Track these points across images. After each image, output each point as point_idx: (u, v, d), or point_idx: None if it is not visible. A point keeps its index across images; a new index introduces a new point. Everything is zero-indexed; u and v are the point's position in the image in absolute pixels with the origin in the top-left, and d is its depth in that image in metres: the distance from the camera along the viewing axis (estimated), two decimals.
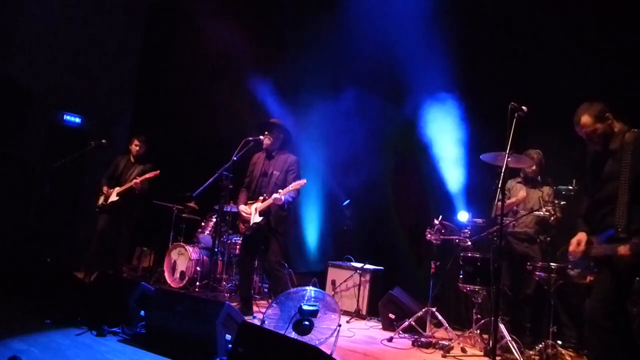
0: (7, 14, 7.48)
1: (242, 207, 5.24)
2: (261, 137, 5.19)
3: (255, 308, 5.41)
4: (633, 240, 2.92)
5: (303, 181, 4.94)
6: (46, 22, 7.88)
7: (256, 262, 6.00)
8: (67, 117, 8.21)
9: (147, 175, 6.16)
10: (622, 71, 5.01)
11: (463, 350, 4.61)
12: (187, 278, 6.56)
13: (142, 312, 3.91)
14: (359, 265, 6.20)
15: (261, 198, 5.13)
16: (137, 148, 6.41)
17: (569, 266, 3.42)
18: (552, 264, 4.27)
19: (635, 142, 3.09)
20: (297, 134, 5.53)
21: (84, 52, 8.34)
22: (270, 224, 5.08)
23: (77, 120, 8.33)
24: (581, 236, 3.27)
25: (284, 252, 5.16)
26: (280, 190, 4.95)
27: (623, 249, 2.94)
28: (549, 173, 5.05)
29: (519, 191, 5.04)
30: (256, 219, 5.09)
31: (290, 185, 4.94)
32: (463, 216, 5.31)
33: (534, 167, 4.99)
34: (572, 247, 3.30)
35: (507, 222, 4.79)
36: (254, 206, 5.17)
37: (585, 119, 3.21)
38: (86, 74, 8.38)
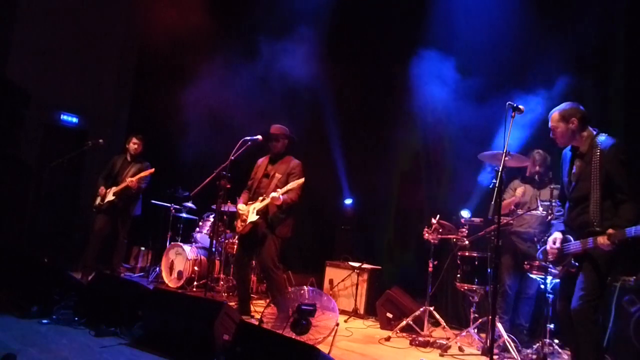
0: (3, 13, 7.45)
1: (240, 206, 5.25)
2: (259, 136, 5.18)
3: (253, 308, 5.41)
4: (610, 230, 3.12)
5: (301, 180, 4.91)
6: (43, 21, 7.86)
7: (253, 262, 5.99)
8: (64, 117, 8.19)
9: (142, 174, 6.16)
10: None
11: (460, 349, 4.62)
12: (184, 278, 6.56)
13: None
14: (356, 264, 6.21)
15: (261, 198, 5.14)
16: (135, 146, 6.40)
17: (549, 266, 3.54)
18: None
19: (603, 144, 3.33)
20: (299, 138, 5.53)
21: (81, 51, 8.31)
22: (267, 223, 5.08)
23: (74, 119, 8.31)
24: (556, 235, 3.50)
25: (279, 253, 5.15)
26: (278, 189, 4.94)
27: (602, 239, 3.15)
28: (548, 173, 5.06)
29: (518, 190, 5.07)
30: (253, 217, 5.09)
31: (289, 185, 4.92)
32: (466, 214, 5.32)
33: (537, 167, 5.02)
34: (548, 247, 3.52)
35: (505, 221, 4.80)
36: (252, 206, 5.17)
37: (554, 115, 3.51)
38: (83, 73, 8.35)
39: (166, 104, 8.15)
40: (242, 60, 7.71)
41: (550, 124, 3.52)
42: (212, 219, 6.95)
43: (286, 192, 4.93)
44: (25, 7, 7.70)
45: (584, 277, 3.25)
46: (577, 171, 3.44)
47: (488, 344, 4.19)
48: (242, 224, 5.17)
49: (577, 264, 3.33)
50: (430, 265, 5.12)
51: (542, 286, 4.42)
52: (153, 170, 6.23)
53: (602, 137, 3.37)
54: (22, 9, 7.68)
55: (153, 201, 7.22)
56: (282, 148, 5.31)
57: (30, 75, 7.67)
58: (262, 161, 5.47)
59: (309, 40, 7.11)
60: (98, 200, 6.28)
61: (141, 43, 9.23)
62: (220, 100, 7.71)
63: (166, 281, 6.77)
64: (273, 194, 4.90)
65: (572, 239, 3.40)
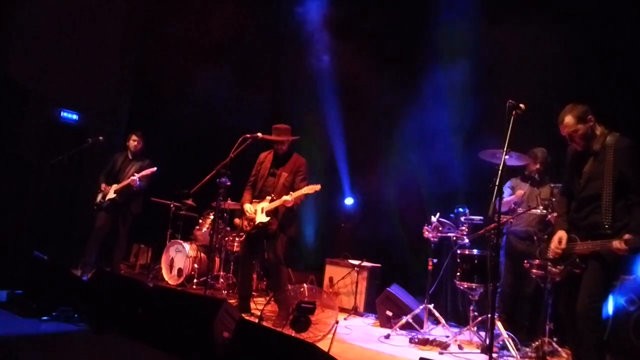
0: (3, 10, 7.44)
1: (247, 206, 5.23)
2: (258, 134, 5.17)
3: (252, 305, 5.41)
4: (626, 235, 3.05)
5: (318, 186, 4.88)
6: (43, 18, 7.84)
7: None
8: (64, 114, 8.18)
9: (144, 173, 6.15)
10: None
11: (460, 347, 4.62)
12: (184, 275, 6.57)
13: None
14: (356, 262, 6.21)
15: (269, 198, 5.12)
16: (135, 143, 6.39)
17: (549, 264, 3.51)
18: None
19: (617, 143, 3.28)
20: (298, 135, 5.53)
21: (82, 47, 8.29)
22: (278, 224, 5.10)
23: (75, 117, 8.30)
24: (561, 234, 3.44)
25: (285, 251, 5.18)
26: (291, 193, 4.93)
27: (619, 244, 3.07)
28: (548, 171, 5.05)
29: (518, 189, 5.07)
30: (262, 218, 5.08)
31: (304, 189, 4.91)
32: (462, 210, 5.32)
33: (537, 166, 5.01)
34: (553, 245, 3.46)
35: (505, 220, 4.80)
36: (260, 205, 5.15)
37: (569, 119, 3.39)
38: (83, 70, 8.33)
39: (167, 100, 8.15)
40: (241, 55, 7.73)
41: (566, 130, 3.40)
42: (212, 217, 6.95)
43: (299, 196, 4.93)
44: (25, 4, 7.69)
45: (591, 278, 3.22)
46: (588, 170, 3.38)
47: (487, 342, 4.20)
48: (250, 223, 5.16)
49: (583, 265, 3.28)
50: (430, 263, 5.12)
51: (542, 285, 4.42)
52: (155, 169, 6.21)
53: (616, 136, 3.32)
54: (22, 6, 7.66)
55: (153, 198, 7.22)
56: (287, 148, 5.31)
57: (30, 72, 7.66)
58: (265, 157, 5.43)
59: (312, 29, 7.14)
60: (99, 198, 6.27)
61: (142, 39, 9.21)
62: (220, 97, 7.72)
63: (166, 278, 6.78)
64: (286, 198, 4.90)
65: (577, 238, 3.35)
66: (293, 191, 5.00)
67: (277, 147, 5.30)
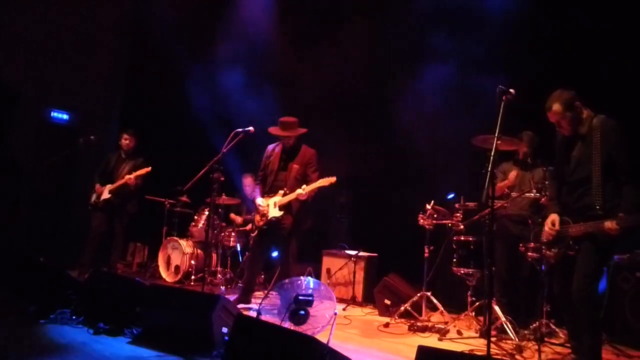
0: None
1: (259, 200, 5.21)
2: (250, 128, 5.12)
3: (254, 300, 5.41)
4: (619, 215, 3.09)
5: (333, 178, 4.84)
6: (32, 18, 7.76)
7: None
8: (54, 114, 8.11)
9: (139, 172, 6.11)
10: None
11: (459, 332, 4.65)
12: (182, 272, 6.57)
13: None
14: (353, 252, 6.23)
15: (281, 192, 5.08)
16: (127, 142, 6.36)
17: (543, 247, 3.54)
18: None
19: (603, 125, 3.32)
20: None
21: (71, 47, 8.22)
22: (293, 219, 5.07)
23: (65, 116, 8.24)
24: (554, 217, 3.49)
25: (299, 248, 5.20)
26: (304, 186, 4.89)
27: (610, 224, 3.11)
28: (541, 154, 5.06)
29: (510, 173, 5.07)
30: (275, 212, 5.04)
31: (319, 182, 4.87)
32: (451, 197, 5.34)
33: (525, 149, 5.01)
34: (546, 228, 3.51)
35: (498, 204, 4.80)
36: (272, 199, 5.12)
37: (556, 106, 3.43)
38: (74, 69, 8.26)
39: (159, 97, 8.09)
40: (234, 52, 7.67)
41: (555, 117, 3.45)
42: (207, 212, 6.93)
43: (313, 189, 4.90)
44: (13, 4, 7.60)
45: (585, 259, 3.27)
46: (576, 153, 3.43)
47: (486, 327, 4.23)
48: (263, 218, 5.13)
49: (577, 247, 3.32)
50: (426, 250, 5.14)
51: (538, 268, 4.44)
52: (150, 168, 6.16)
53: (601, 118, 3.36)
54: (10, 6, 7.58)
55: (148, 196, 7.18)
56: (294, 141, 5.24)
57: (19, 72, 7.59)
58: (274, 151, 5.38)
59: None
60: (94, 198, 6.25)
61: (133, 36, 9.12)
62: (214, 91, 7.67)
63: (164, 276, 6.78)
64: (299, 191, 4.87)
65: (570, 221, 3.39)
66: (306, 184, 4.96)
67: (285, 141, 5.25)
